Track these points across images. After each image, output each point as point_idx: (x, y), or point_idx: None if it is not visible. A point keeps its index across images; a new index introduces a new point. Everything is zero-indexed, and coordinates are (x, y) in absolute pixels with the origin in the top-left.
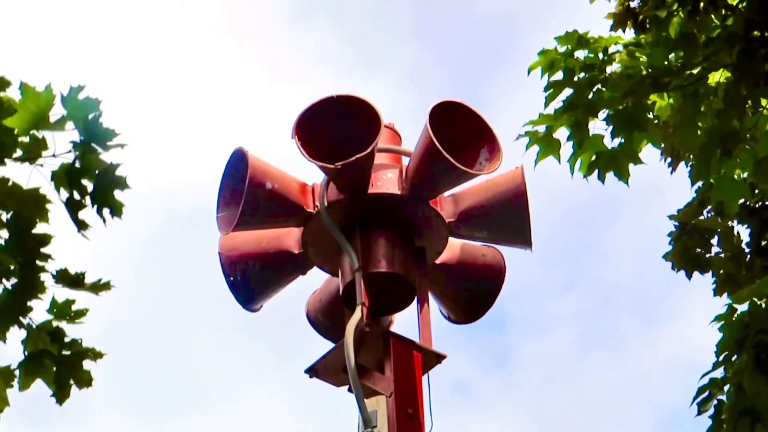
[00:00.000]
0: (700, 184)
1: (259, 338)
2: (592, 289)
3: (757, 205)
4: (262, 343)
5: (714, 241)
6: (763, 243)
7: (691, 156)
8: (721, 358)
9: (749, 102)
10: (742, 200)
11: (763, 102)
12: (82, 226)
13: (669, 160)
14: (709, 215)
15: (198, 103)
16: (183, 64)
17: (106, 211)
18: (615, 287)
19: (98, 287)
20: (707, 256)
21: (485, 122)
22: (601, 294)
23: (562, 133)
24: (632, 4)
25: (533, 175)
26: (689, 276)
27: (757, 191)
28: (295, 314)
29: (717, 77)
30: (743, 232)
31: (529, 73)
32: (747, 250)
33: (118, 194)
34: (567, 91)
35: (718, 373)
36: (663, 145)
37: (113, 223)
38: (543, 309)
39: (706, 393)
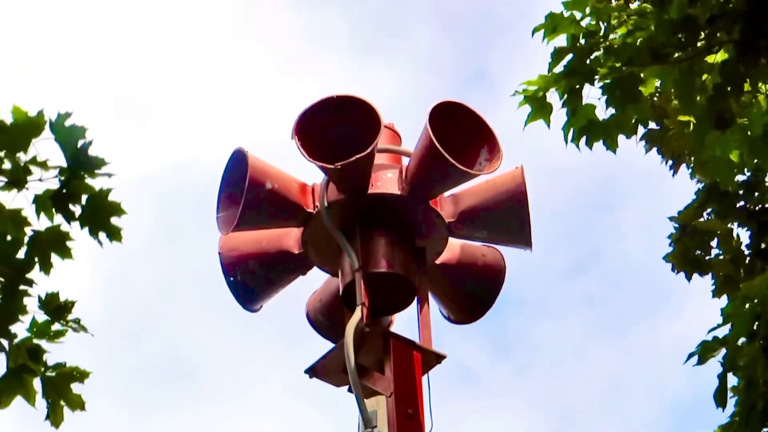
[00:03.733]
0: (701, 186)
1: (268, 330)
2: (600, 273)
3: (756, 208)
4: (271, 334)
5: (714, 243)
6: (763, 245)
7: (693, 158)
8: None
9: (747, 81)
10: (737, 179)
11: (760, 83)
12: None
13: (671, 162)
14: (710, 217)
15: (205, 90)
16: (190, 49)
17: (102, 236)
18: (624, 272)
19: (79, 326)
20: (707, 258)
21: (485, 122)
22: (610, 279)
23: (555, 98)
24: (632, 6)
25: (542, 159)
26: (689, 278)
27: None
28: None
29: (714, 57)
30: (743, 234)
31: (533, 34)
32: (747, 252)
33: (115, 220)
34: (568, 57)
35: (722, 331)
36: (664, 149)
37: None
38: (550, 294)
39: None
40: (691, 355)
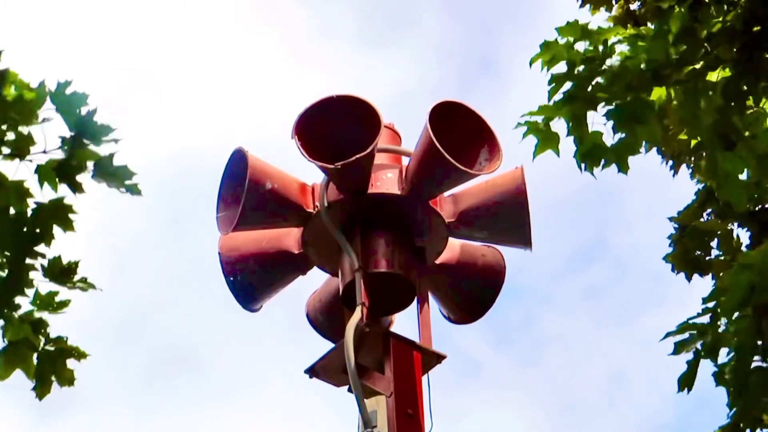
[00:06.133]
0: (701, 186)
1: (272, 324)
2: (604, 264)
3: (756, 208)
4: (276, 328)
5: (714, 243)
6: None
7: (692, 158)
8: (710, 305)
9: (750, 98)
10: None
11: (763, 99)
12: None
13: (671, 162)
14: (709, 217)
15: (212, 82)
16: (198, 42)
17: (123, 191)
18: (628, 262)
19: (86, 284)
20: (707, 258)
21: (485, 122)
22: (615, 269)
23: (560, 126)
24: (632, 7)
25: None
26: (689, 278)
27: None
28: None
29: (715, 76)
30: (743, 234)
31: (531, 65)
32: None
33: (128, 183)
34: (569, 84)
35: (702, 320)
36: (664, 148)
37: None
38: (554, 284)
39: (686, 335)
40: (669, 334)
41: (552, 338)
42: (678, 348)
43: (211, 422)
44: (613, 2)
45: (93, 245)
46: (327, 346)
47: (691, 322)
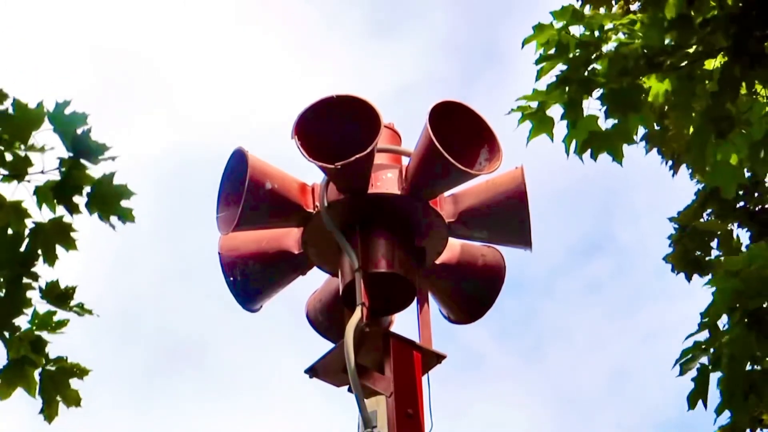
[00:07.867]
0: (701, 186)
1: (275, 322)
2: (609, 255)
3: (756, 208)
4: (279, 326)
5: (714, 243)
6: None
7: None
8: (706, 320)
9: (743, 84)
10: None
11: (758, 85)
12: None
13: (670, 162)
14: (709, 217)
15: (215, 75)
16: (203, 35)
17: (113, 219)
18: (633, 253)
19: (82, 309)
20: (707, 258)
21: (485, 122)
22: (619, 260)
23: (555, 111)
24: (632, 7)
25: (547, 146)
26: (689, 278)
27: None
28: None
29: (712, 61)
30: (743, 234)
31: (523, 46)
32: None
33: (124, 203)
34: (560, 67)
35: (702, 336)
36: (664, 149)
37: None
38: (557, 278)
39: (690, 355)
40: (677, 362)
41: (554, 332)
42: (683, 369)
43: (211, 421)
44: (613, 2)
45: (93, 243)
46: (327, 346)
47: (692, 340)
